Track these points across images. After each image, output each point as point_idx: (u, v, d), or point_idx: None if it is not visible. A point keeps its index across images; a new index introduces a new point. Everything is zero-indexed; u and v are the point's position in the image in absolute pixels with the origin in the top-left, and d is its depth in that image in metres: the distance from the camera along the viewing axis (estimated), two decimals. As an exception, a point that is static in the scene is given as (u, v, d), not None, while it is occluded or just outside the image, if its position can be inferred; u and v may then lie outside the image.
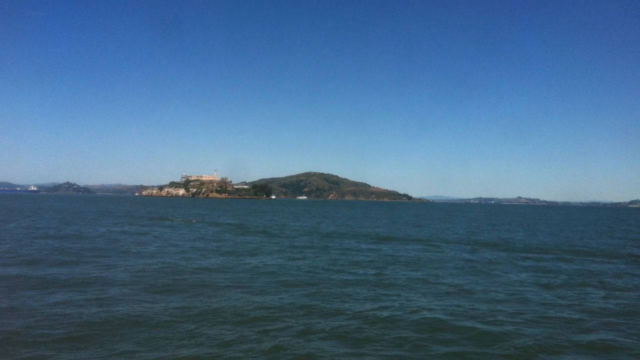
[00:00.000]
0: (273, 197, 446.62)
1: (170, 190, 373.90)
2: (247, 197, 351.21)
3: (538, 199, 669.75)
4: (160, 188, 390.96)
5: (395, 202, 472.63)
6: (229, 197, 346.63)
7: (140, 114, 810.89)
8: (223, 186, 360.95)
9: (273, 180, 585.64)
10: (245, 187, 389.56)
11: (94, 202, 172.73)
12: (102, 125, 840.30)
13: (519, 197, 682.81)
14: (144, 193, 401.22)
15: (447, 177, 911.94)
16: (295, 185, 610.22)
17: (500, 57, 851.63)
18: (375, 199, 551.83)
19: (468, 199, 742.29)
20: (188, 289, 17.57)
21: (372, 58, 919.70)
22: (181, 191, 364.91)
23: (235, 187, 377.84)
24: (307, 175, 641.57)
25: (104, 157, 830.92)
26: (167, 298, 16.15)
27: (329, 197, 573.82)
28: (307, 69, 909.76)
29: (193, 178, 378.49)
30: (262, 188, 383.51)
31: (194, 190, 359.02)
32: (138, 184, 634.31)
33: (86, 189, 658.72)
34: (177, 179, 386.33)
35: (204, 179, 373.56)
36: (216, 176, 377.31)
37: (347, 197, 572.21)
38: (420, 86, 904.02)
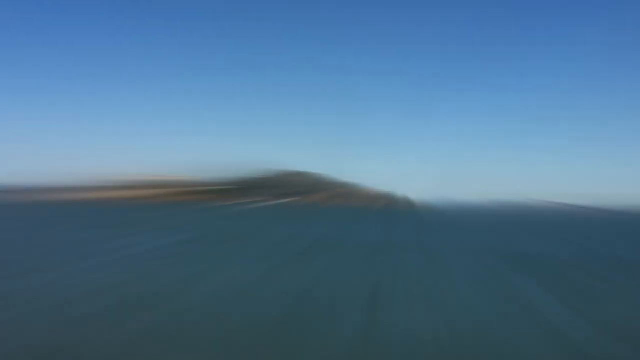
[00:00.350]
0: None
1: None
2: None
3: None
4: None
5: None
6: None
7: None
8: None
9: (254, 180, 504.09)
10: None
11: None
12: None
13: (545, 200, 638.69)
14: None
15: (453, 177, 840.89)
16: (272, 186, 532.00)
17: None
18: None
19: (479, 202, 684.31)
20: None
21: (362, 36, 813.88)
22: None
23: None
24: (293, 174, 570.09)
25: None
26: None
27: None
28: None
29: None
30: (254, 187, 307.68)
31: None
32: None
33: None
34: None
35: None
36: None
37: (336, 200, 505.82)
38: (419, 71, 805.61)
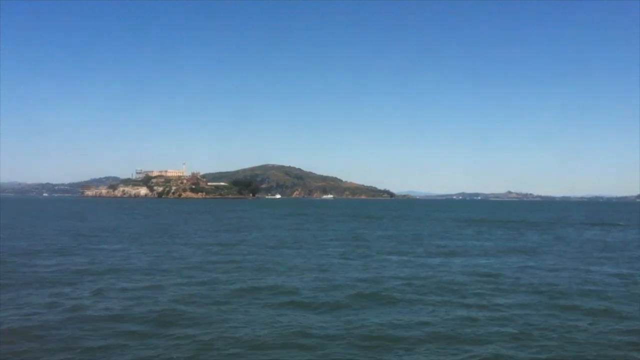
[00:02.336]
0: (278, 195, 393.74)
1: (127, 189, 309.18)
2: (230, 196, 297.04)
3: (531, 194, 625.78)
4: (113, 187, 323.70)
5: (376, 199, 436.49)
6: (206, 196, 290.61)
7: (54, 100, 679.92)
8: (196, 183, 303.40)
9: (222, 175, 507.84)
10: (223, 184, 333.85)
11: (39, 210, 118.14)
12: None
13: (509, 192, 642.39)
14: (88, 193, 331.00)
15: (426, 170, 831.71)
16: (247, 181, 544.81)
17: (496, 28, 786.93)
18: (350, 196, 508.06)
19: (450, 195, 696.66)
20: None
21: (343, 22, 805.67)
22: (143, 190, 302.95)
23: (211, 184, 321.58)
24: (264, 168, 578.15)
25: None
26: None
27: (294, 195, 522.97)
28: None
29: (155, 174, 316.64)
30: (247, 185, 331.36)
31: (160, 189, 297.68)
32: (44, 181, 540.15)
33: None
34: (100, 176, 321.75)
35: (169, 174, 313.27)
36: (185, 171, 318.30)
37: (316, 195, 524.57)
38: (397, 64, 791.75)
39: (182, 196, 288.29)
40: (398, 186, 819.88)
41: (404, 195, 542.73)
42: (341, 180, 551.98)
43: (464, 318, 15.77)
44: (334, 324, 15.03)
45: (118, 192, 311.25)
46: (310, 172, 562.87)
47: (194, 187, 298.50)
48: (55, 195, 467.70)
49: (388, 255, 31.93)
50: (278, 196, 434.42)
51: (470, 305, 17.69)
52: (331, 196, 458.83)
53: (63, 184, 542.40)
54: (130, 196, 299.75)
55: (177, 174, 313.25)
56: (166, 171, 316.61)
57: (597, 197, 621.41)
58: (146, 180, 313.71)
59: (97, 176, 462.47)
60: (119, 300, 17.66)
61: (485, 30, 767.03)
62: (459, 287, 21.12)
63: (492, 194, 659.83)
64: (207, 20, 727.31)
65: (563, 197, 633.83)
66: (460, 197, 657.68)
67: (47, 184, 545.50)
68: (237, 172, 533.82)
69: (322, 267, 26.48)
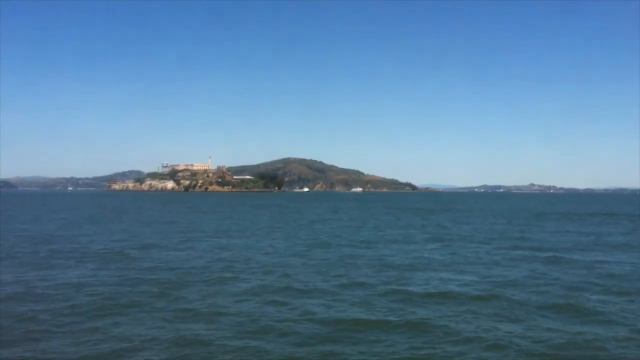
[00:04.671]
0: (306, 189, 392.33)
1: (154, 183, 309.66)
2: (256, 190, 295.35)
3: (554, 186, 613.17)
4: (139, 180, 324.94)
5: (398, 192, 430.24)
6: (232, 190, 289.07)
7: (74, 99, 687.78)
8: (222, 177, 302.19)
9: (243, 168, 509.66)
10: (249, 177, 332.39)
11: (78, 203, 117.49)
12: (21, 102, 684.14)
13: (532, 184, 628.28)
14: (115, 187, 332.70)
15: (447, 162, 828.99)
16: (272, 174, 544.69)
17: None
18: (371, 189, 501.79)
19: (472, 187, 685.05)
20: None
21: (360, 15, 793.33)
22: (169, 184, 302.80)
23: (236, 177, 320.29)
24: (286, 162, 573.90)
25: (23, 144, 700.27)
26: None
27: (315, 188, 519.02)
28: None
29: (181, 167, 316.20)
30: (272, 178, 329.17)
31: (187, 182, 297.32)
32: (68, 176, 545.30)
33: (6, 183, 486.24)
34: (121, 170, 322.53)
35: (195, 168, 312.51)
36: (211, 164, 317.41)
37: (338, 188, 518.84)
38: (417, 56, 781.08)
39: (209, 190, 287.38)
40: (419, 179, 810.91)
41: (427, 188, 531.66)
42: (362, 173, 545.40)
43: None
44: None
45: (145, 186, 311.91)
46: (332, 166, 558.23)
47: (220, 180, 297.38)
48: (79, 189, 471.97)
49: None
50: (306, 189, 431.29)
51: None
52: (360, 189, 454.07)
53: (87, 178, 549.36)
54: (157, 190, 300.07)
55: (203, 168, 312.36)
56: (192, 165, 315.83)
57: (621, 189, 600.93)
58: (172, 174, 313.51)
59: (119, 170, 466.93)
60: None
61: (509, 19, 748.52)
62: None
63: (515, 186, 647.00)
64: (224, 18, 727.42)
65: (586, 189, 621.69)
66: (482, 190, 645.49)
67: (72, 178, 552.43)
68: (259, 165, 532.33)
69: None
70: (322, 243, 32.47)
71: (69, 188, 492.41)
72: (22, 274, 20.37)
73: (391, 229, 44.98)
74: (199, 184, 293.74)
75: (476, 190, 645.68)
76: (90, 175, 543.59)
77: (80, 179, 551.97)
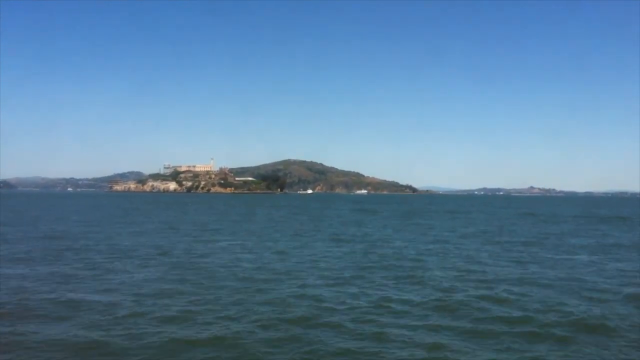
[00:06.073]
0: (310, 191, 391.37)
1: (156, 184, 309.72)
2: (258, 191, 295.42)
3: (554, 189, 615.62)
4: (141, 181, 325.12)
5: (399, 194, 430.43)
6: (235, 191, 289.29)
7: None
8: (225, 178, 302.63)
9: (244, 169, 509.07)
10: (251, 179, 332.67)
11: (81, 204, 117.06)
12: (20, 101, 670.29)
13: (531, 187, 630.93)
14: (117, 188, 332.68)
15: (447, 164, 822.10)
16: (274, 175, 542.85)
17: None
18: (372, 191, 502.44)
19: (471, 190, 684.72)
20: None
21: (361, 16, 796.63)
22: (172, 185, 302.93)
23: (238, 179, 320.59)
24: (286, 163, 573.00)
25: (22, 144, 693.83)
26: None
27: (316, 190, 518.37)
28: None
29: (183, 169, 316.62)
30: (274, 180, 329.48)
31: (189, 183, 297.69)
32: (67, 176, 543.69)
33: (6, 184, 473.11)
34: (121, 171, 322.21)
35: (197, 169, 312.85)
36: (213, 166, 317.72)
37: (338, 190, 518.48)
38: (415, 58, 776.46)
39: (211, 191, 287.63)
40: (419, 181, 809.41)
41: (427, 191, 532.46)
42: (363, 175, 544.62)
43: None
44: None
45: (147, 187, 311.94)
46: (332, 167, 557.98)
47: (222, 182, 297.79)
48: (79, 190, 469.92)
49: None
50: (310, 191, 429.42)
51: None
52: (365, 191, 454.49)
53: (87, 179, 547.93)
54: (159, 191, 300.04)
55: (205, 169, 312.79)
56: (194, 166, 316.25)
57: (621, 193, 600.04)
58: (174, 175, 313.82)
59: (119, 171, 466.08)
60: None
61: (512, 18, 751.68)
62: None
63: (514, 189, 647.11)
64: (224, 18, 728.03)
65: (586, 192, 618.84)
66: (482, 193, 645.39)
67: (71, 178, 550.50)
68: (259, 167, 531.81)
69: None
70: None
71: (69, 189, 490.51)
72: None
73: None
74: (201, 185, 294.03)
75: (476, 192, 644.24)
76: (90, 176, 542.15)
77: (79, 179, 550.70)
